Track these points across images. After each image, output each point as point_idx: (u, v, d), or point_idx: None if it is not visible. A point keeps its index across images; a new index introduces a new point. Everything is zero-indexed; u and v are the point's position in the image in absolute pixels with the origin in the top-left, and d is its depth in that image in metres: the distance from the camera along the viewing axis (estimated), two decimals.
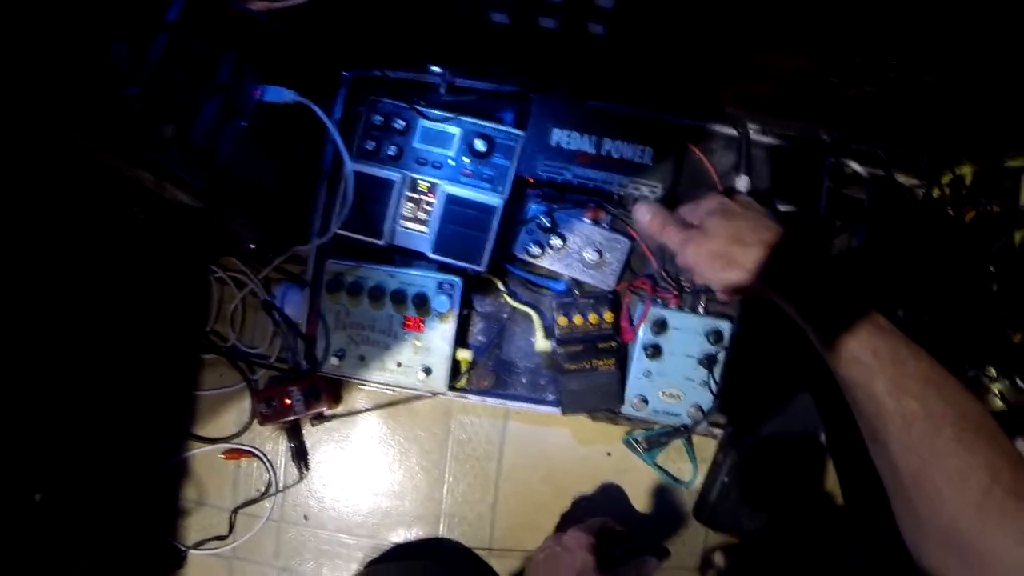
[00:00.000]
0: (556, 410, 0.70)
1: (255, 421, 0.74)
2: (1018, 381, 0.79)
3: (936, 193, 0.77)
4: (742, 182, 0.70)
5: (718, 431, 0.75)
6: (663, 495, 0.78)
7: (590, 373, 0.69)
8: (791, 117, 0.73)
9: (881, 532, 0.78)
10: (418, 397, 0.70)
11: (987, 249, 0.74)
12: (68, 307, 0.68)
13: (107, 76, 0.47)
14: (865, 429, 0.48)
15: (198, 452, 0.76)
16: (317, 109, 0.61)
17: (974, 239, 0.76)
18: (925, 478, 0.43)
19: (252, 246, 0.70)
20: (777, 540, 0.79)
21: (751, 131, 0.71)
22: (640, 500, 0.78)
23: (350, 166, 0.63)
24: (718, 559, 0.81)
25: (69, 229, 0.66)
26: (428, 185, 0.66)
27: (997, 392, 0.81)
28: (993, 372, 0.80)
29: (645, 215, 0.61)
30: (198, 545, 0.77)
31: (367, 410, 0.73)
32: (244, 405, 0.75)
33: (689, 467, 0.77)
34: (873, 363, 0.46)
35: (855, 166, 0.76)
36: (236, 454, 0.75)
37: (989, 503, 0.40)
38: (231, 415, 0.76)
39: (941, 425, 0.43)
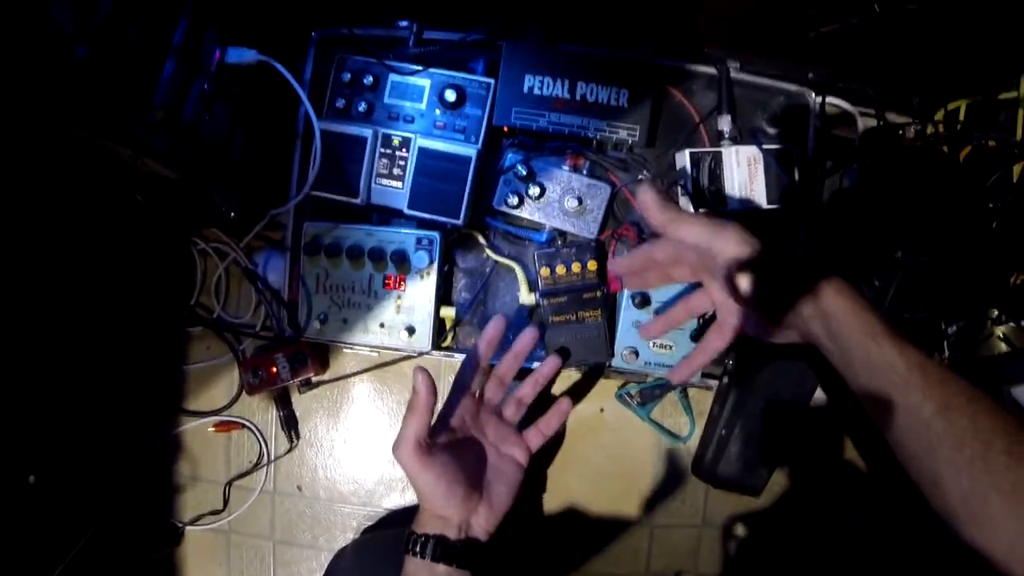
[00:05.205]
0: None
1: (244, 392, 0.73)
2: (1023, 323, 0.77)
3: (930, 130, 0.75)
4: (724, 122, 0.69)
5: (713, 382, 0.73)
6: (660, 451, 0.77)
7: (576, 325, 0.67)
8: (774, 55, 0.71)
9: (893, 495, 0.75)
10: (406, 358, 0.69)
11: (983, 185, 0.71)
12: (56, 288, 0.68)
13: (51, 37, 0.46)
14: (911, 462, 0.45)
15: (189, 427, 0.75)
16: (280, 67, 0.61)
17: (970, 175, 0.73)
18: (978, 501, 0.40)
19: (232, 214, 0.70)
20: (786, 503, 0.77)
21: (732, 70, 0.69)
22: (637, 457, 0.76)
23: (318, 124, 0.62)
24: (739, 530, 0.79)
25: (56, 211, 0.66)
26: (401, 140, 0.65)
27: (1001, 335, 0.79)
28: (995, 313, 0.78)
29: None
30: (194, 521, 0.76)
31: (355, 374, 0.72)
32: (233, 376, 0.75)
33: (686, 421, 0.75)
34: (920, 383, 0.43)
35: (843, 104, 0.74)
36: (227, 426, 0.75)
37: None
38: (220, 387, 0.75)
39: (992, 440, 0.40)
